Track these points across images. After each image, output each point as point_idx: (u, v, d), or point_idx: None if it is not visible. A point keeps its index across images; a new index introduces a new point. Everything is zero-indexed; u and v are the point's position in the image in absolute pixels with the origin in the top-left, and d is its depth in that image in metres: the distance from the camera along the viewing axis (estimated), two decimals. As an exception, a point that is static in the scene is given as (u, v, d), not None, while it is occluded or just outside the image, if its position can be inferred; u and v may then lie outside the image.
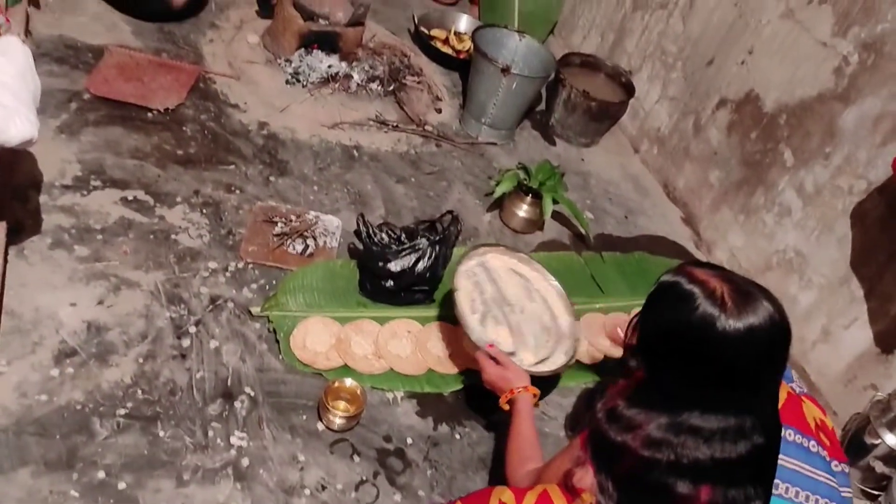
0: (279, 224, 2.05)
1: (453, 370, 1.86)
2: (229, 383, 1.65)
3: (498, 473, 1.62)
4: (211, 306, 1.79)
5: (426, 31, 3.11)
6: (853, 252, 2.10)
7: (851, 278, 2.10)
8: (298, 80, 2.60)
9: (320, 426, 1.64)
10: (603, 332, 2.09)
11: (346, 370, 1.77)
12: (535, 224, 2.40)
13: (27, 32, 2.22)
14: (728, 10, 2.55)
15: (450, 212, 2.03)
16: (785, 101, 2.33)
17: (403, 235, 1.98)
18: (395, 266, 1.90)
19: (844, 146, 2.12)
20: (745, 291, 1.06)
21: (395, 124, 2.62)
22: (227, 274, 1.89)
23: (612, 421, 1.12)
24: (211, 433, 1.55)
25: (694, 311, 1.05)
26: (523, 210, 2.36)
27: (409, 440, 1.69)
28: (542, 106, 3.00)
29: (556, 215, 2.46)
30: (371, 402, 1.73)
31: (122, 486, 1.41)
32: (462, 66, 2.97)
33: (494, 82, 2.58)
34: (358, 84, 2.68)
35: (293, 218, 2.09)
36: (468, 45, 3.03)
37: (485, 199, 2.47)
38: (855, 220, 2.10)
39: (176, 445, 1.50)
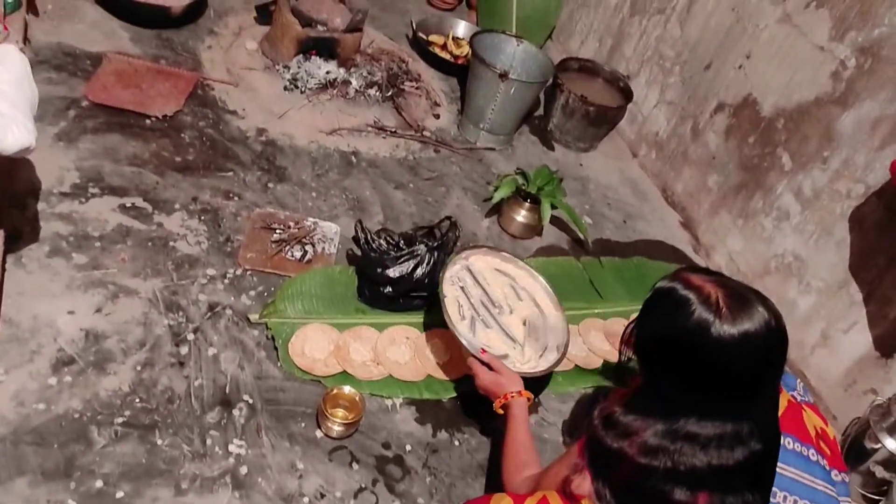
0: (277, 231, 2.05)
1: (452, 376, 1.86)
2: (227, 391, 1.65)
3: (496, 480, 1.61)
4: (209, 313, 1.79)
5: (424, 37, 3.12)
6: (852, 256, 2.10)
7: (850, 282, 2.10)
8: (297, 87, 2.60)
9: (319, 433, 1.64)
10: (601, 336, 2.09)
11: (344, 377, 1.76)
12: (534, 229, 2.40)
13: (25, 40, 2.23)
14: (725, 14, 2.55)
15: (448, 218, 2.03)
16: (783, 105, 2.33)
17: (402, 241, 1.98)
18: (393, 272, 1.90)
19: (842, 150, 2.13)
20: (741, 297, 1.06)
21: (393, 130, 2.62)
22: (226, 281, 1.88)
23: (608, 427, 1.12)
24: (209, 441, 1.54)
25: (689, 317, 1.05)
26: (522, 215, 2.36)
27: (408, 447, 1.69)
28: (541, 111, 3.00)
29: (555, 220, 2.46)
30: (370, 408, 1.73)
31: (120, 494, 1.41)
32: (460, 72, 2.97)
33: (492, 87, 2.59)
34: (356, 90, 2.68)
35: (291, 224, 2.09)
36: (466, 50, 3.03)
37: (483, 205, 2.47)
38: (853, 224, 2.10)
39: (174, 454, 1.50)
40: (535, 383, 1.75)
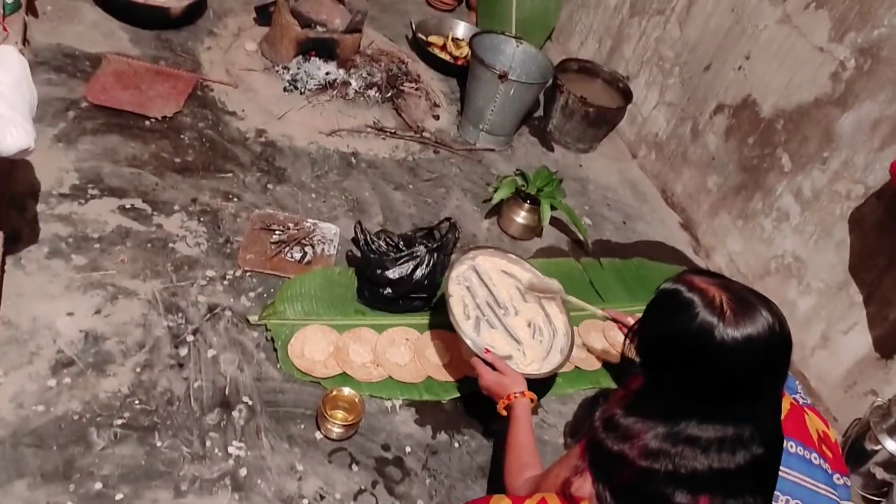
0: (277, 232, 2.04)
1: (452, 378, 1.85)
2: (227, 392, 1.65)
3: (496, 481, 1.61)
4: (209, 315, 1.79)
5: (424, 38, 3.12)
6: (852, 257, 2.10)
7: (850, 283, 2.09)
8: (296, 88, 2.60)
9: (318, 435, 1.64)
10: (601, 336, 2.09)
11: (344, 378, 1.76)
12: (534, 230, 2.40)
13: (25, 41, 2.22)
14: (725, 15, 2.55)
15: (447, 219, 2.03)
16: (782, 106, 2.33)
17: (401, 243, 1.97)
18: (393, 274, 1.90)
19: (842, 151, 2.13)
20: (745, 300, 1.06)
21: (392, 131, 2.62)
22: (225, 282, 1.88)
23: (609, 430, 1.12)
24: (208, 443, 1.54)
25: (693, 320, 1.05)
26: (521, 216, 2.36)
27: (408, 449, 1.69)
28: (540, 112, 3.00)
29: (555, 221, 2.46)
30: (369, 410, 1.73)
31: (119, 496, 1.40)
32: (460, 73, 2.97)
33: (492, 88, 2.59)
34: (356, 91, 2.68)
35: (291, 226, 2.08)
36: (466, 51, 3.03)
37: (483, 206, 2.47)
38: (853, 225, 2.10)
39: (173, 456, 1.50)
40: (538, 386, 1.75)
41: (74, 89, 2.23)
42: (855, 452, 1.92)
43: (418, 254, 1.93)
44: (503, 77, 2.55)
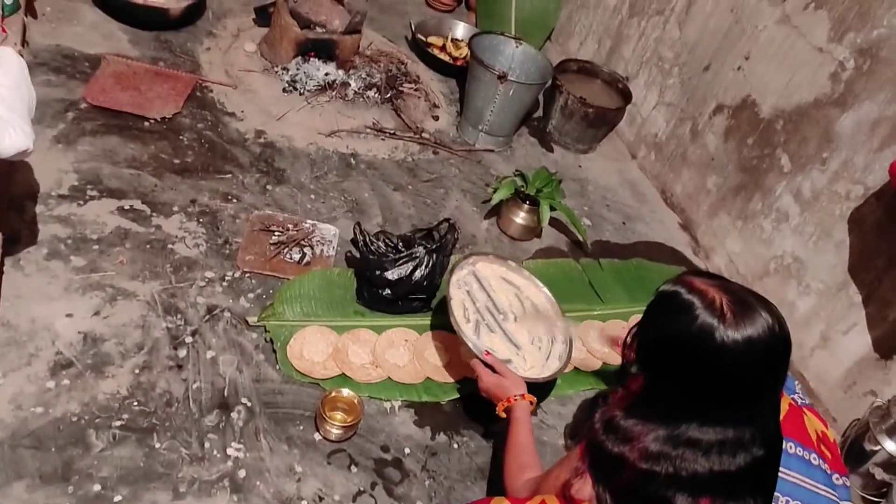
0: (276, 233, 2.04)
1: (451, 379, 1.85)
2: (226, 394, 1.64)
3: (496, 483, 1.61)
4: (207, 316, 1.78)
5: (423, 39, 3.12)
6: (851, 257, 2.10)
7: (850, 284, 2.09)
8: (295, 88, 2.60)
9: (317, 436, 1.64)
10: (601, 339, 2.09)
11: (343, 379, 1.76)
12: (533, 231, 2.40)
13: (24, 42, 2.22)
14: (724, 16, 2.55)
15: (447, 220, 2.03)
16: (782, 106, 2.33)
17: (400, 244, 1.97)
18: (392, 275, 1.90)
19: (841, 151, 2.12)
20: (745, 302, 1.06)
21: (392, 132, 2.62)
22: (224, 283, 1.88)
23: (609, 432, 1.12)
24: (207, 445, 1.54)
25: (693, 322, 1.04)
26: (521, 217, 2.36)
27: (407, 450, 1.69)
28: (540, 112, 3.00)
29: (554, 222, 2.46)
30: (368, 411, 1.72)
31: (118, 498, 1.40)
32: (459, 73, 2.97)
33: (491, 89, 2.59)
34: (355, 92, 2.68)
35: (290, 227, 2.08)
36: (465, 52, 3.03)
37: (482, 207, 2.47)
38: (853, 226, 2.10)
39: (172, 457, 1.49)
40: (538, 390, 1.74)
41: (73, 90, 2.23)
42: (854, 453, 1.92)
43: (417, 255, 1.92)
44: (502, 78, 2.55)
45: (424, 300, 1.98)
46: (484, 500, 1.30)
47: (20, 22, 2.19)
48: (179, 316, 1.76)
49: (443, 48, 3.14)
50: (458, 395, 1.83)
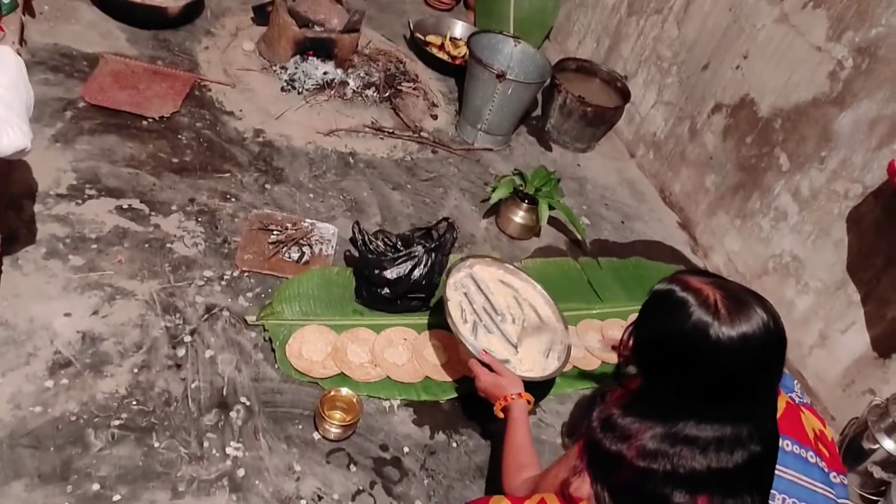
0: (275, 232, 2.04)
1: (450, 378, 1.85)
2: (225, 393, 1.64)
3: (495, 481, 1.61)
4: (206, 315, 1.78)
5: (422, 37, 3.11)
6: (850, 256, 2.10)
7: (848, 282, 2.10)
8: (294, 87, 2.60)
9: (316, 436, 1.64)
10: (599, 337, 2.09)
11: (342, 379, 1.76)
12: (532, 230, 2.40)
13: (22, 41, 2.22)
14: (723, 14, 2.55)
15: (446, 219, 2.03)
16: (780, 105, 2.33)
17: (399, 243, 1.97)
18: (390, 274, 1.90)
19: (840, 150, 2.13)
20: (739, 299, 1.06)
21: (390, 131, 2.62)
22: (223, 282, 1.88)
23: (607, 430, 1.12)
24: (206, 444, 1.54)
25: (687, 319, 1.05)
26: (519, 216, 2.36)
27: (406, 449, 1.69)
28: (538, 111, 3.00)
29: (553, 221, 2.46)
30: (367, 410, 1.72)
31: (116, 497, 1.40)
32: (458, 72, 2.97)
33: (490, 88, 2.58)
34: (353, 91, 2.68)
35: (289, 226, 2.08)
36: (464, 50, 3.03)
37: (481, 206, 2.47)
38: (851, 225, 2.10)
39: (171, 456, 1.49)
40: (537, 391, 1.74)
41: (72, 89, 2.22)
42: (853, 451, 1.92)
43: (416, 254, 1.92)
44: (501, 76, 2.55)
45: (423, 299, 1.98)
46: (483, 499, 1.30)
47: (18, 20, 2.19)
48: (178, 315, 1.76)
49: (441, 47, 3.14)
50: (456, 394, 1.83)
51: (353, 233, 1.94)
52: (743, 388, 1.06)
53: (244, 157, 2.28)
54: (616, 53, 3.09)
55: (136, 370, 1.62)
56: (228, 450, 1.54)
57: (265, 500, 1.49)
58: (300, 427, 1.64)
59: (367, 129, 2.59)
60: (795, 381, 1.67)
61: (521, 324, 1.91)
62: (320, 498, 1.53)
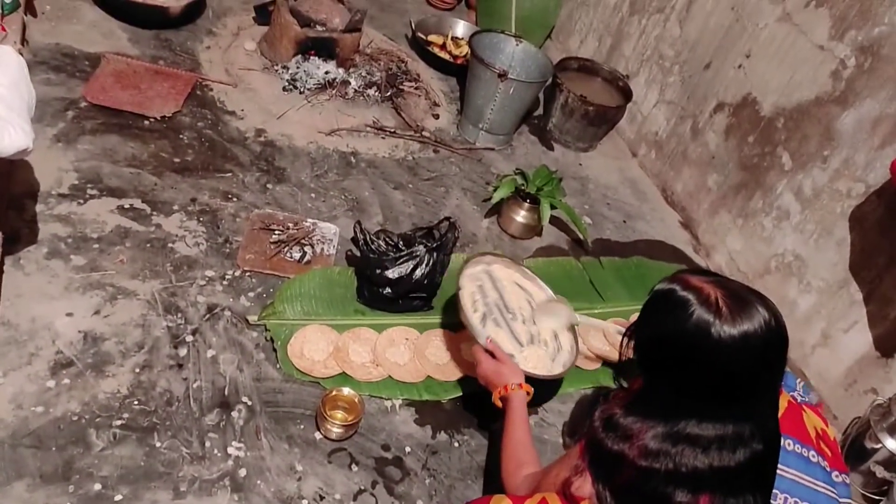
0: (276, 232, 2.04)
1: (452, 377, 1.85)
2: (226, 393, 1.64)
3: (495, 481, 1.61)
4: (208, 315, 1.78)
5: (423, 37, 3.11)
6: (852, 255, 2.09)
7: (851, 282, 2.09)
8: (295, 87, 2.60)
9: (318, 435, 1.64)
10: (601, 336, 2.08)
11: (343, 378, 1.76)
12: (534, 229, 2.40)
13: (24, 41, 2.22)
14: (725, 14, 2.54)
15: (447, 218, 2.03)
16: (782, 104, 2.33)
17: (401, 242, 1.97)
18: (392, 273, 1.90)
19: (842, 149, 2.12)
20: (740, 297, 1.06)
21: (392, 130, 2.62)
22: (225, 282, 1.88)
23: (609, 430, 1.12)
24: (208, 444, 1.54)
25: (689, 318, 1.04)
26: (521, 216, 2.36)
27: (408, 448, 1.69)
28: (540, 111, 3.00)
29: (555, 220, 2.45)
30: (369, 410, 1.72)
31: (118, 497, 1.40)
32: (459, 72, 2.96)
33: (492, 87, 2.58)
34: (355, 90, 2.68)
35: (290, 225, 2.08)
36: (465, 50, 3.03)
37: (483, 205, 2.47)
38: (854, 224, 2.09)
39: (173, 456, 1.50)
40: (539, 393, 1.73)
41: (73, 89, 2.23)
42: (855, 451, 1.92)
43: (418, 253, 1.92)
44: (503, 76, 2.55)
45: (425, 299, 1.98)
46: (484, 499, 1.30)
47: (20, 20, 2.19)
48: (180, 315, 1.76)
49: (443, 46, 3.14)
50: (458, 394, 1.83)
51: (355, 232, 1.94)
52: (744, 386, 1.06)
53: (246, 157, 2.28)
54: (618, 52, 3.09)
55: (137, 370, 1.62)
56: (230, 450, 1.54)
57: (267, 500, 1.49)
58: (302, 427, 1.64)
59: (368, 129, 2.58)
60: (798, 381, 1.67)
61: (530, 325, 1.90)
62: (322, 498, 1.53)
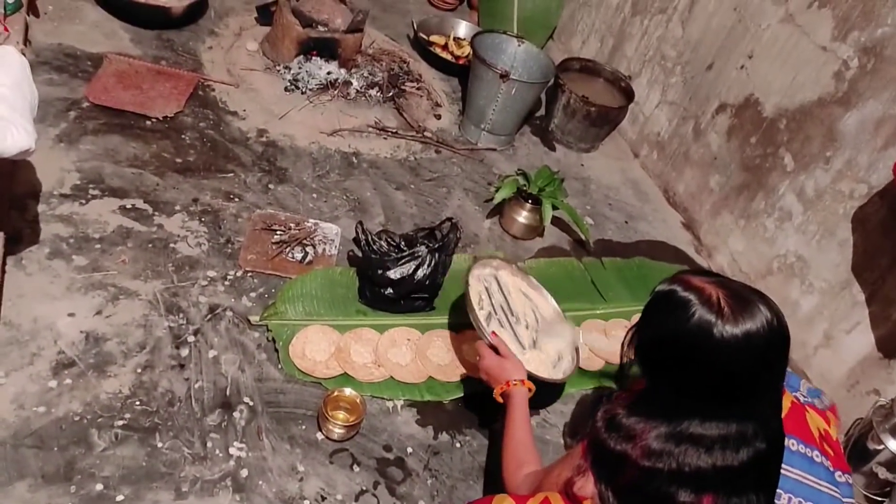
0: (278, 232, 2.04)
1: (453, 378, 1.85)
2: (228, 393, 1.64)
3: (497, 482, 1.60)
4: (210, 315, 1.78)
5: (425, 37, 3.11)
6: (854, 256, 2.09)
7: (853, 283, 2.09)
8: (297, 87, 2.60)
9: (320, 436, 1.64)
10: (602, 336, 2.08)
11: (345, 379, 1.76)
12: (535, 230, 2.40)
13: (26, 41, 2.22)
14: (727, 14, 2.54)
15: (449, 219, 2.02)
16: (785, 105, 2.33)
17: (403, 243, 1.97)
18: (394, 274, 1.90)
19: (845, 150, 2.12)
20: (742, 297, 1.06)
21: (394, 131, 2.62)
22: (226, 283, 1.88)
23: (611, 430, 1.11)
24: (210, 444, 1.54)
25: (690, 319, 1.04)
26: (523, 216, 2.36)
27: (410, 449, 1.69)
28: (542, 111, 3.00)
29: (556, 221, 2.45)
30: (371, 410, 1.72)
31: (120, 498, 1.40)
32: (461, 72, 2.96)
33: (493, 88, 2.58)
34: (357, 90, 2.68)
35: (292, 226, 2.08)
36: (467, 50, 3.03)
37: (484, 206, 2.46)
38: (856, 225, 2.09)
39: (174, 457, 1.49)
40: (539, 399, 1.73)
41: (76, 89, 2.23)
42: (857, 452, 1.91)
43: (420, 254, 1.92)
44: (505, 76, 2.55)
45: (427, 299, 1.98)
46: (486, 499, 1.29)
47: (22, 20, 2.19)
48: (181, 315, 1.76)
49: (445, 47, 3.14)
50: (460, 394, 1.83)
51: (357, 233, 1.94)
52: (747, 385, 1.06)
53: (248, 157, 2.28)
54: (620, 53, 3.09)
55: (139, 370, 1.62)
56: (232, 450, 1.54)
57: (268, 501, 1.49)
58: (303, 427, 1.64)
59: (370, 129, 2.58)
60: (802, 381, 1.66)
61: (533, 333, 1.90)
62: (324, 498, 1.53)
